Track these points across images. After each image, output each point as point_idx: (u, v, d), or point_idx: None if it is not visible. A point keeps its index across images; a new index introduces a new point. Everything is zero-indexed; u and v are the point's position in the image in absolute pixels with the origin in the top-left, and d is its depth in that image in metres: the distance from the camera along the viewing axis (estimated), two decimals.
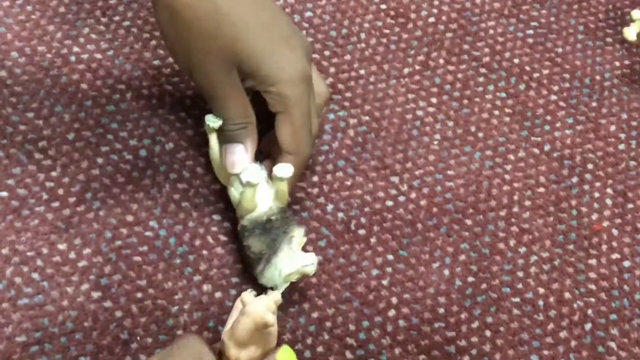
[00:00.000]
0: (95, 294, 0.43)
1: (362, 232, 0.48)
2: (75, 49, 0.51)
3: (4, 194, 0.46)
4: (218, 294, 0.44)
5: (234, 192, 0.44)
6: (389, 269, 0.46)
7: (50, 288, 0.43)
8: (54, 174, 0.47)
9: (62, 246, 0.45)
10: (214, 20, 0.40)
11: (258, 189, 0.42)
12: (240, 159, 0.43)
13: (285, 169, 0.43)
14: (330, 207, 0.48)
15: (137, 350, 0.42)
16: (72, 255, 0.44)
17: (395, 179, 0.50)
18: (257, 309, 0.37)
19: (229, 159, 0.43)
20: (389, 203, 0.49)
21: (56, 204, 0.46)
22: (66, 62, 0.51)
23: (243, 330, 0.37)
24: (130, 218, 0.46)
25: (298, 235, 0.43)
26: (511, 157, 0.52)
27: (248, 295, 0.38)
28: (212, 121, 0.43)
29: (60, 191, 0.46)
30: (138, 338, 0.42)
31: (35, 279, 0.43)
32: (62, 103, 0.49)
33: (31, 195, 0.46)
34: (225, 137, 0.44)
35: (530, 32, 0.57)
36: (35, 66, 0.50)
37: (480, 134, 0.52)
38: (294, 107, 0.42)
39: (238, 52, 0.41)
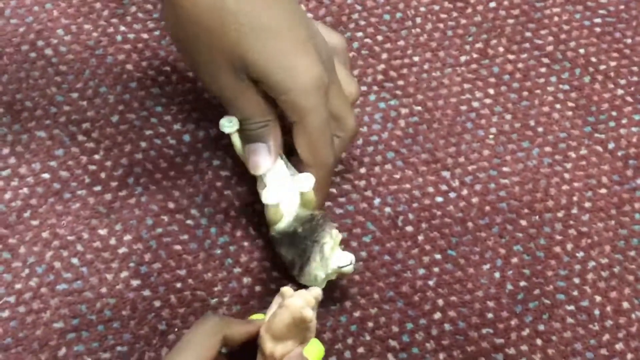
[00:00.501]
0: (135, 282, 0.43)
1: (409, 228, 0.46)
2: (122, 27, 0.50)
3: (46, 175, 0.45)
4: (258, 288, 0.43)
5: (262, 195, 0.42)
6: (436, 269, 0.44)
7: (89, 274, 0.43)
8: (96, 157, 0.46)
9: (102, 231, 0.44)
10: (220, 18, 0.37)
11: (282, 199, 0.40)
12: (263, 160, 0.41)
13: (306, 181, 0.40)
14: (377, 201, 0.46)
15: (174, 342, 0.41)
16: (113, 241, 0.44)
17: (446, 174, 0.47)
18: (296, 303, 0.36)
19: (252, 160, 0.41)
20: (439, 199, 0.47)
21: (98, 188, 0.45)
22: (112, 42, 0.49)
23: (280, 323, 0.36)
24: (171, 205, 0.45)
25: (329, 240, 0.40)
26: (572, 154, 0.49)
27: (288, 288, 0.37)
28: (227, 126, 0.41)
29: (103, 175, 0.45)
30: (176, 329, 0.41)
31: (74, 264, 0.43)
32: (107, 84, 0.48)
33: (73, 178, 0.45)
34: (246, 136, 0.41)
35: (598, 20, 0.53)
36: (81, 45, 0.49)
37: (540, 129, 0.49)
38: (308, 117, 0.39)
39: (243, 55, 0.38)
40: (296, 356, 0.37)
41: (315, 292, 0.37)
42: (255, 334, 0.37)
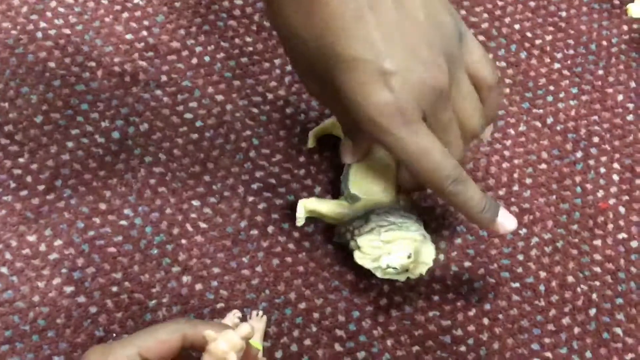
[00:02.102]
0: (68, 289, 0.41)
1: None
2: (42, 24, 0.48)
3: None
4: (198, 286, 0.42)
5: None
6: None
7: (20, 283, 0.41)
8: (21, 160, 0.44)
9: (31, 238, 0.42)
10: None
11: None
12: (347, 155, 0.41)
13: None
14: (317, 189, 0.45)
15: None
16: (43, 247, 0.42)
17: None
18: (219, 348, 0.32)
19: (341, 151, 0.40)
20: None
21: (24, 193, 0.43)
22: (33, 39, 0.47)
23: None
24: (103, 206, 0.43)
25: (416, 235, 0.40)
26: (511, 131, 0.48)
27: (209, 332, 0.33)
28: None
29: (29, 179, 0.43)
30: (114, 335, 0.40)
31: (3, 273, 0.41)
32: (29, 83, 0.46)
33: None
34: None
35: None
36: (0, 44, 0.47)
37: None
38: (394, 149, 0.34)
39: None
40: None
41: (244, 331, 0.33)
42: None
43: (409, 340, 0.42)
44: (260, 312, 0.41)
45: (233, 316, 0.38)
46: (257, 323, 0.40)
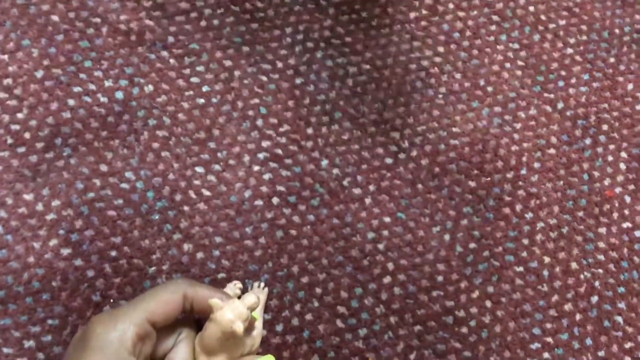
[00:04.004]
0: (65, 251, 0.39)
1: (357, 191, 0.44)
2: None
3: None
4: (200, 255, 0.41)
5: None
6: (385, 232, 0.43)
7: (14, 242, 0.39)
8: (20, 115, 0.42)
9: (28, 196, 0.40)
10: None
11: None
12: None
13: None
14: (324, 162, 0.44)
15: None
16: (40, 207, 0.40)
17: (395, 135, 0.46)
18: (225, 317, 0.32)
19: None
20: (388, 160, 0.45)
21: (22, 150, 0.41)
22: None
23: (211, 338, 0.33)
24: (104, 168, 0.42)
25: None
26: (521, 114, 0.48)
27: (217, 301, 0.33)
28: None
29: (27, 135, 0.42)
30: (111, 301, 0.39)
31: None
32: (31, 36, 0.44)
33: None
34: None
35: None
36: None
37: (490, 88, 0.48)
38: None
39: None
40: None
41: (250, 301, 0.33)
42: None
43: (411, 319, 0.41)
44: (262, 284, 0.40)
45: (234, 286, 0.38)
46: (259, 294, 0.39)
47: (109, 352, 0.29)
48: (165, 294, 0.32)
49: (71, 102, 0.43)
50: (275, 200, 0.43)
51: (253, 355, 0.35)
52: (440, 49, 0.49)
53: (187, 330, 0.33)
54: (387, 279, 0.42)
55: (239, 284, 0.39)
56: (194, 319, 0.34)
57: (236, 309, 0.33)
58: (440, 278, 0.42)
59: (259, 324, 0.36)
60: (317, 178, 0.44)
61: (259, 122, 0.45)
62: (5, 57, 0.43)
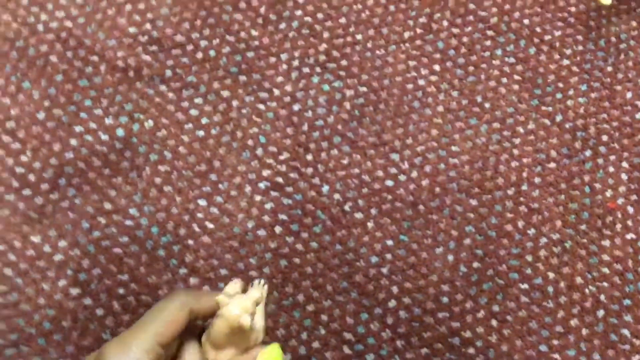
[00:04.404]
0: (74, 291, 0.40)
1: (359, 215, 0.44)
2: (43, 16, 0.46)
3: None
4: (206, 288, 0.41)
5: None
6: (388, 256, 0.43)
7: (24, 285, 0.40)
8: (24, 158, 0.43)
9: (35, 239, 0.41)
10: None
11: None
12: None
13: None
14: (325, 188, 0.45)
15: None
16: (47, 248, 0.41)
17: (395, 157, 0.46)
18: (232, 312, 0.34)
19: None
20: (389, 183, 0.45)
21: (28, 192, 0.42)
22: (34, 32, 0.46)
23: (219, 333, 0.34)
24: (108, 206, 0.42)
25: None
26: (520, 129, 0.48)
27: (222, 297, 0.34)
28: None
29: (32, 177, 0.43)
30: None
31: (8, 275, 0.40)
32: (31, 78, 0.45)
33: (0, 181, 0.42)
34: None
35: None
36: (0, 37, 0.46)
37: (487, 105, 0.48)
38: None
39: None
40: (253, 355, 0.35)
41: (254, 296, 0.34)
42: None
43: (418, 342, 0.41)
44: (263, 281, 0.40)
45: (234, 285, 0.38)
46: (260, 291, 0.39)
47: None
48: (171, 313, 0.32)
49: (73, 141, 0.44)
50: (277, 229, 0.43)
51: (259, 345, 0.35)
52: (436, 67, 0.49)
53: (188, 332, 0.34)
54: (392, 303, 0.42)
55: (239, 282, 0.39)
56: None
57: (242, 303, 0.34)
58: (445, 299, 0.43)
59: (260, 319, 0.37)
60: (319, 204, 0.44)
61: (259, 151, 0.45)
62: (7, 100, 0.44)
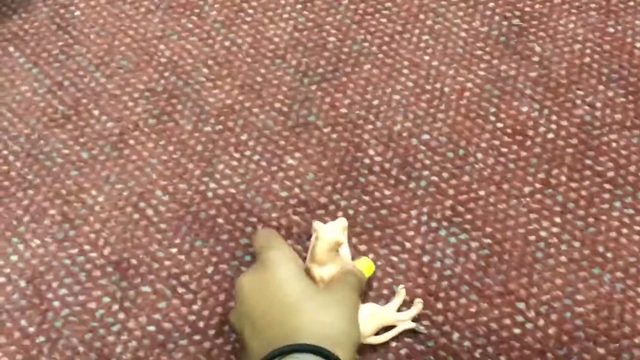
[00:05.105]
0: None
1: None
2: (212, 185, 0.56)
3: (152, 328, 0.50)
4: None
5: None
6: None
7: None
8: (195, 307, 0.51)
9: None
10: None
11: None
12: None
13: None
14: (456, 335, 0.49)
15: None
16: None
17: (521, 305, 0.49)
18: (329, 231, 0.46)
19: None
20: (516, 331, 0.49)
21: (197, 337, 0.49)
22: (204, 198, 0.55)
23: (320, 252, 0.45)
24: None
25: None
26: None
27: (318, 223, 0.47)
28: None
29: (201, 324, 0.50)
30: None
31: None
32: (202, 237, 0.53)
33: (175, 328, 0.50)
34: None
35: None
36: (177, 203, 0.55)
37: (609, 254, 0.51)
38: None
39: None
40: (350, 267, 0.46)
41: (343, 222, 0.47)
42: None
43: None
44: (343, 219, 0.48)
45: (319, 223, 0.48)
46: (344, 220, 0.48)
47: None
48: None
49: None
50: None
51: (352, 263, 0.48)
52: (557, 219, 0.53)
53: None
54: None
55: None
56: None
57: (334, 226, 0.46)
58: None
59: (347, 248, 0.50)
60: (450, 351, 0.48)
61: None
62: (183, 257, 0.53)
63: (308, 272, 0.46)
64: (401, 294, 0.49)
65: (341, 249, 0.49)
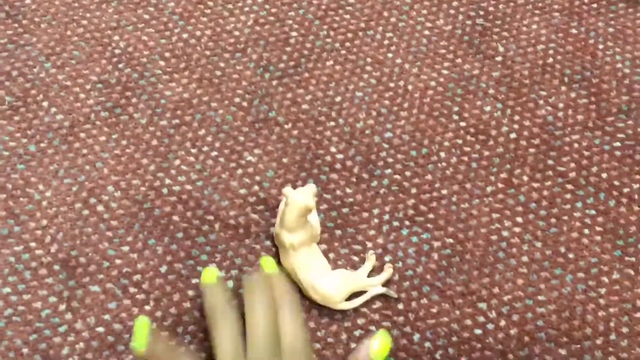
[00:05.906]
0: None
1: None
2: (167, 181, 0.54)
3: (101, 329, 0.48)
4: None
5: None
6: None
7: None
8: (147, 308, 0.48)
9: None
10: None
11: None
12: None
13: None
14: (416, 336, 0.48)
15: None
16: None
17: (483, 305, 0.49)
18: (299, 197, 0.45)
19: None
20: (478, 331, 0.48)
21: None
22: (159, 195, 0.53)
23: (290, 218, 0.45)
24: None
25: None
26: (605, 279, 0.50)
27: (288, 188, 0.46)
28: None
29: (154, 325, 0.48)
30: None
31: None
32: (155, 235, 0.51)
33: (126, 330, 0.47)
34: None
35: (617, 144, 0.56)
36: (130, 199, 0.53)
37: (571, 255, 0.51)
38: None
39: None
40: (365, 346, 0.41)
41: (313, 188, 0.46)
42: None
43: None
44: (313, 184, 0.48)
45: (289, 189, 0.47)
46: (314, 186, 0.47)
47: None
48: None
49: (190, 292, 0.49)
50: None
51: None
52: (519, 220, 0.52)
53: None
54: None
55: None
56: None
57: (304, 191, 0.45)
58: None
59: (315, 215, 0.49)
60: (411, 353, 0.47)
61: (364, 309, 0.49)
62: (135, 255, 0.51)
63: (277, 238, 0.46)
64: (371, 260, 0.48)
65: (310, 216, 0.48)
